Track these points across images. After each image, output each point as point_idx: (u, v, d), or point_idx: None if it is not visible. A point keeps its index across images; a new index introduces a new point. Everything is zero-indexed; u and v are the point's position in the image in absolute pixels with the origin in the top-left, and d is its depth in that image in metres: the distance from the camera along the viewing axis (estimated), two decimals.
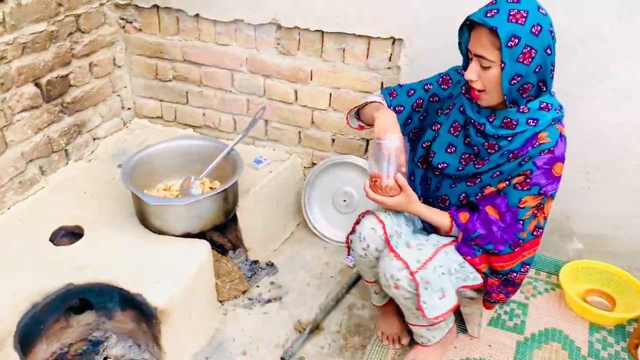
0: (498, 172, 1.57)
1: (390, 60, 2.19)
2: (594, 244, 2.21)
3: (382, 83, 2.25)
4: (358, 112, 1.84)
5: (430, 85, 1.76)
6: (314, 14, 2.20)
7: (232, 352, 1.94)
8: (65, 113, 2.33)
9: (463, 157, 1.65)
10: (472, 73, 1.50)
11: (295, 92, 2.42)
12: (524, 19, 1.40)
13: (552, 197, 1.57)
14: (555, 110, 1.53)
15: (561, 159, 1.52)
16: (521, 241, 1.59)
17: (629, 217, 2.10)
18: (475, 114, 1.60)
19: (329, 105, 2.39)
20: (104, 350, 1.83)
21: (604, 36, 1.87)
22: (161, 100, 2.72)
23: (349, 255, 1.83)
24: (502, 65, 1.43)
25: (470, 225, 1.61)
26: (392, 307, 1.90)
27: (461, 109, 1.65)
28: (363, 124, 1.84)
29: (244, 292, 2.18)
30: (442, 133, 1.70)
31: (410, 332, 1.91)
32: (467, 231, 1.61)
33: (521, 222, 1.57)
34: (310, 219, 2.52)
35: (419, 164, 1.78)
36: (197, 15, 2.40)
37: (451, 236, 1.69)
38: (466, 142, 1.64)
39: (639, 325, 1.90)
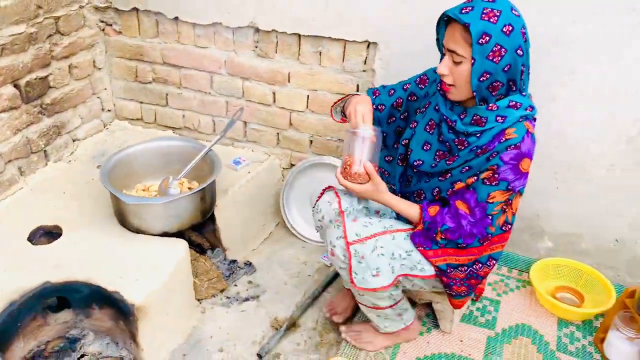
0: (467, 168, 1.62)
1: (365, 63, 2.24)
2: (564, 243, 2.27)
3: (357, 85, 2.30)
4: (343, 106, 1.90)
5: (409, 85, 1.83)
6: (290, 18, 2.25)
7: (209, 349, 1.97)
8: (44, 114, 2.35)
9: (437, 154, 1.70)
10: (444, 67, 1.56)
11: (274, 94, 2.46)
12: (496, 18, 1.45)
13: (520, 193, 1.62)
14: (526, 109, 1.56)
15: (528, 155, 1.56)
16: (490, 235, 1.64)
17: (597, 216, 2.16)
18: (448, 111, 1.66)
19: (307, 107, 2.44)
20: (80, 348, 1.85)
21: (571, 37, 1.92)
22: (141, 102, 2.75)
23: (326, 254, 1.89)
24: (473, 61, 1.49)
25: (438, 217, 1.65)
26: None
27: (436, 107, 1.71)
28: (346, 118, 1.89)
29: (222, 291, 2.21)
30: (418, 131, 1.76)
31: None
32: (435, 223, 1.65)
33: (490, 216, 1.61)
34: (288, 219, 2.56)
35: (399, 161, 1.83)
36: (176, 18, 2.43)
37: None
38: (440, 139, 1.69)
39: (604, 320, 1.97)
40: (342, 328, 1.98)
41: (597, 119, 2.02)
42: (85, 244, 1.96)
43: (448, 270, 1.70)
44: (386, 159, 1.92)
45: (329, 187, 1.87)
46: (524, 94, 1.59)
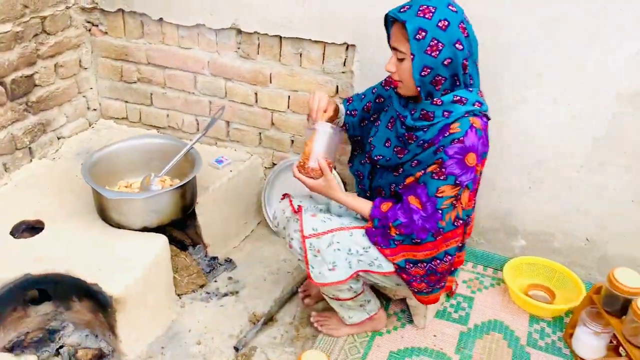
0: (416, 162, 1.66)
1: (344, 65, 2.30)
2: (537, 241, 2.33)
3: (337, 86, 2.35)
4: None
5: (376, 89, 1.91)
6: (271, 20, 2.30)
7: (187, 342, 2.01)
8: (29, 112, 2.39)
9: (395, 149, 1.75)
10: (391, 65, 1.65)
11: (256, 94, 2.51)
12: (431, 14, 1.53)
13: (467, 187, 1.64)
14: (473, 104, 1.61)
15: (473, 149, 1.59)
16: (441, 230, 1.67)
17: (568, 214, 2.22)
18: (401, 107, 1.72)
19: (288, 107, 2.49)
20: (60, 339, 1.88)
21: (539, 39, 1.98)
22: (126, 102, 2.79)
23: None
24: (412, 56, 1.55)
25: (390, 213, 1.68)
26: None
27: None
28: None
29: (201, 286, 2.25)
30: (380, 128, 1.82)
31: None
32: (387, 219, 1.68)
33: (440, 211, 1.64)
34: (269, 218, 2.60)
35: (367, 159, 1.89)
36: (160, 19, 2.48)
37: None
38: (396, 135, 1.75)
39: (572, 315, 2.02)
40: (313, 313, 2.06)
41: (564, 120, 2.07)
42: (67, 238, 2.00)
43: (407, 267, 1.73)
44: (361, 162, 1.95)
45: (285, 195, 1.98)
46: (470, 89, 1.63)
